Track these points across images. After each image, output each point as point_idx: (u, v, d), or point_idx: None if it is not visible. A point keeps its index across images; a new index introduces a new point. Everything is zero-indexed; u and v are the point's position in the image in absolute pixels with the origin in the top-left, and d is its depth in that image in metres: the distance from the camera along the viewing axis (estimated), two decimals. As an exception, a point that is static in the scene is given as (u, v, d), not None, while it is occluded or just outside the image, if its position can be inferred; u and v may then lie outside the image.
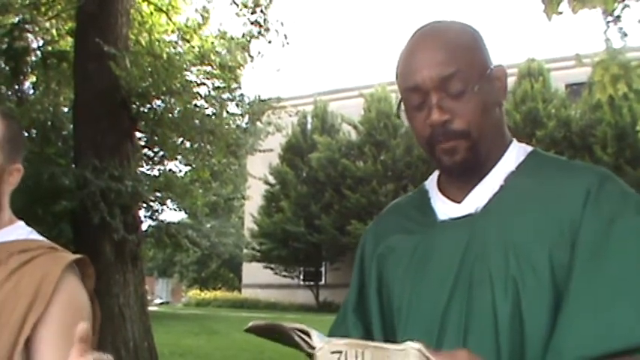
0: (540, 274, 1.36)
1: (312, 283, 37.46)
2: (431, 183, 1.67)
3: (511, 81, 32.70)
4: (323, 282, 37.90)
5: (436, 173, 1.67)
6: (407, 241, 1.58)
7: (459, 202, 1.54)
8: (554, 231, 1.39)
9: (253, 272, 40.74)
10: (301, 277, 38.70)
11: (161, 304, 48.33)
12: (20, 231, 1.80)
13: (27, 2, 13.01)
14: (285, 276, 37.86)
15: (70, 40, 13.10)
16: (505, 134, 1.58)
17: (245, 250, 37.98)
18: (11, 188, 1.79)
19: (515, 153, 1.56)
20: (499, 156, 1.54)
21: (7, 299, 1.62)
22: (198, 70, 11.58)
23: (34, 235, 1.81)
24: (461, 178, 1.54)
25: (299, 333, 1.25)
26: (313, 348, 1.21)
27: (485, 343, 1.36)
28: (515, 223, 1.43)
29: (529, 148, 1.59)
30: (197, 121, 11.21)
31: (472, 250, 1.45)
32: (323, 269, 38.10)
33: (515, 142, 1.59)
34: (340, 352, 1.16)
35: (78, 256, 1.73)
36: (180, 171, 13.66)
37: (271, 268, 37.67)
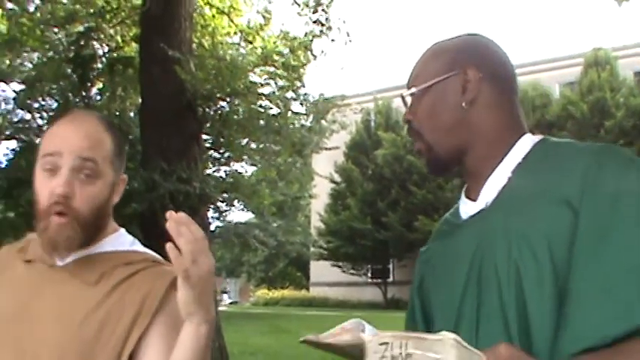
0: (541, 261, 1.36)
1: (379, 280, 37.39)
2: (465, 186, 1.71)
3: (577, 71, 32.17)
4: (391, 279, 37.81)
5: None
6: (438, 246, 1.67)
7: (474, 200, 1.58)
8: (554, 217, 1.38)
9: (321, 270, 40.84)
10: (369, 274, 38.64)
11: (230, 303, 48.76)
12: (122, 239, 1.82)
13: (92, 11, 13.26)
14: (352, 274, 37.86)
15: (134, 46, 13.31)
16: (507, 129, 1.58)
17: (312, 249, 38.09)
18: (118, 198, 1.81)
19: (525, 145, 1.57)
20: (506, 151, 1.55)
21: (111, 312, 1.64)
22: (261, 70, 11.65)
23: (137, 246, 1.83)
24: (445, 174, 1.66)
25: (350, 344, 1.32)
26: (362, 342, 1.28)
27: (494, 332, 1.38)
28: (519, 213, 1.44)
29: (537, 138, 1.59)
30: (262, 122, 11.28)
31: (482, 244, 1.48)
32: (390, 266, 37.99)
33: (527, 134, 1.59)
34: (387, 343, 1.22)
35: None
36: (246, 171, 13.77)
37: (339, 266, 37.70)
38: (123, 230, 1.85)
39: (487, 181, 1.55)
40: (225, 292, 56.63)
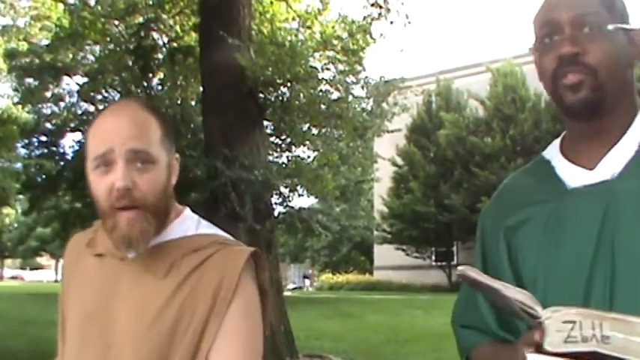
0: None
1: (444, 263, 37.21)
2: (552, 152, 1.64)
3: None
4: (455, 262, 37.59)
5: (556, 142, 1.65)
6: (538, 212, 1.54)
7: (590, 169, 1.50)
8: None
9: (384, 254, 40.79)
10: (433, 257, 38.49)
11: (294, 289, 49.03)
12: (189, 223, 1.77)
13: (151, 2, 13.38)
14: (416, 257, 37.76)
15: (194, 35, 13.39)
16: (634, 101, 1.56)
17: (376, 233, 38.08)
18: (176, 178, 1.76)
19: None
20: (629, 122, 1.51)
21: (185, 304, 1.62)
22: (321, 55, 11.62)
23: (203, 227, 1.78)
24: (581, 121, 1.53)
25: (517, 302, 1.21)
26: (536, 317, 1.18)
27: (632, 306, 1.30)
28: None
29: None
30: (324, 107, 11.25)
31: (611, 217, 1.41)
32: (455, 249, 37.76)
33: None
34: (574, 322, 1.13)
35: (252, 249, 1.70)
36: (308, 157, 13.76)
37: (403, 250, 37.63)
38: (187, 211, 1.80)
39: (611, 150, 1.49)
40: (307, 277, 56.90)
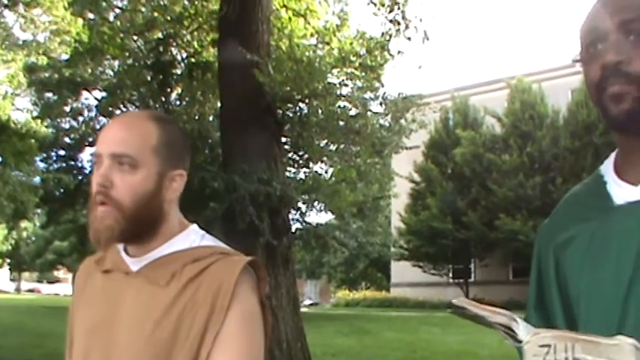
0: None
1: (461, 280, 37.04)
2: (607, 166, 1.57)
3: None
4: (472, 279, 37.43)
5: (612, 156, 1.58)
6: (584, 229, 1.50)
7: (635, 185, 1.45)
8: None
9: (401, 271, 40.71)
10: (450, 274, 38.34)
11: (310, 305, 48.97)
12: (193, 237, 1.79)
13: (170, 18, 13.45)
14: (433, 274, 37.63)
15: (212, 50, 13.44)
16: None
17: (393, 249, 38.01)
18: (175, 195, 1.78)
19: None
20: None
21: (185, 311, 1.63)
22: (339, 71, 11.63)
23: (207, 240, 1.80)
24: (626, 134, 1.46)
25: (502, 327, 1.22)
26: (519, 341, 1.19)
27: None
28: None
29: None
30: (342, 122, 11.26)
31: None
32: (472, 266, 37.62)
33: None
34: (549, 346, 1.13)
35: (250, 258, 1.71)
36: (325, 172, 13.76)
37: (420, 267, 37.52)
38: (193, 226, 1.82)
39: None
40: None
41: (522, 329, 1.19)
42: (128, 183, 1.67)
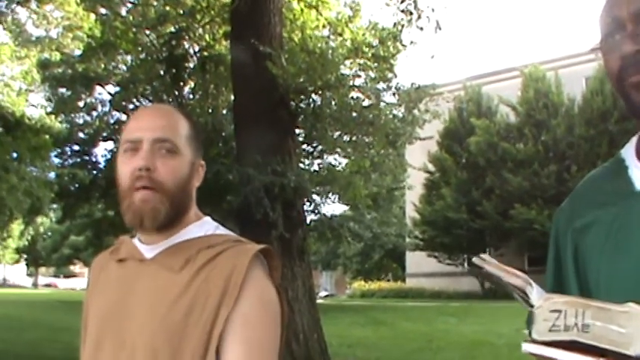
0: None
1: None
2: (628, 150, 1.54)
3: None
4: (488, 269, 37.33)
5: (634, 140, 1.55)
6: (605, 215, 1.47)
7: None
8: None
9: (417, 261, 40.67)
10: (465, 264, 38.27)
11: (326, 296, 49.01)
12: (207, 226, 1.83)
13: (182, 11, 13.45)
14: (449, 264, 37.56)
15: (225, 43, 13.44)
16: None
17: (408, 239, 37.96)
18: (198, 184, 1.84)
19: None
20: None
21: (198, 294, 1.65)
22: (352, 62, 11.62)
23: (221, 230, 1.84)
24: None
25: (516, 289, 1.21)
26: (531, 305, 1.19)
27: None
28: None
29: None
30: (355, 114, 11.25)
31: None
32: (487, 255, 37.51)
33: None
34: (560, 312, 1.12)
35: (263, 246, 1.75)
36: (339, 164, 13.76)
37: (435, 257, 37.46)
38: (208, 218, 1.87)
39: None
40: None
41: (535, 293, 1.19)
42: (170, 167, 1.72)
